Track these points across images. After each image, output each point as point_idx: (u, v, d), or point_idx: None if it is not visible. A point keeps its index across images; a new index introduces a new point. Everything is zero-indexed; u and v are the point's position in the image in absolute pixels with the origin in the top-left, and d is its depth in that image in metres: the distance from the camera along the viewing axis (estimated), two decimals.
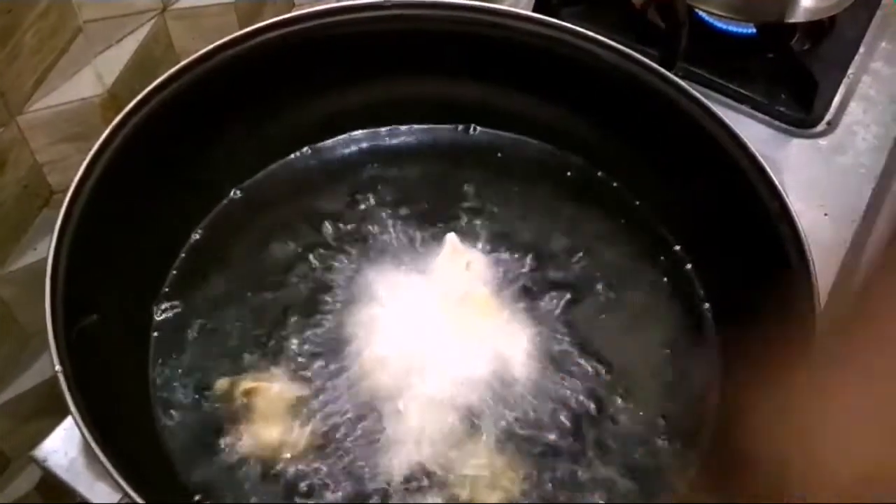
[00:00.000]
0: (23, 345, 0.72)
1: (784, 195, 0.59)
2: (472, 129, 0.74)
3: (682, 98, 0.64)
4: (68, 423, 0.60)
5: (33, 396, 0.74)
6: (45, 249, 0.66)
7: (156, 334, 0.63)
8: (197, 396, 0.60)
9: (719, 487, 0.56)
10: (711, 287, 0.66)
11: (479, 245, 0.67)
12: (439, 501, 0.56)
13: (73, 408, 0.50)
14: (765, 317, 0.60)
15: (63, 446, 0.59)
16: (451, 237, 0.67)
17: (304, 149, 0.72)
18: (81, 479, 0.58)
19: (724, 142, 0.62)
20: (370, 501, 0.56)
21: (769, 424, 0.49)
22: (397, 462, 0.57)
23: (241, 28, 0.64)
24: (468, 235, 0.68)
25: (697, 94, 0.64)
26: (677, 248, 0.69)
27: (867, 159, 0.78)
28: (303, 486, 0.57)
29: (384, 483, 0.57)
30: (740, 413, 0.58)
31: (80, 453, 0.59)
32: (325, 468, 0.57)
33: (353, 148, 0.73)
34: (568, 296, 0.65)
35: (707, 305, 0.66)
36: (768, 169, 0.60)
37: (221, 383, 0.60)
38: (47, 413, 0.74)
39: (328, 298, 0.64)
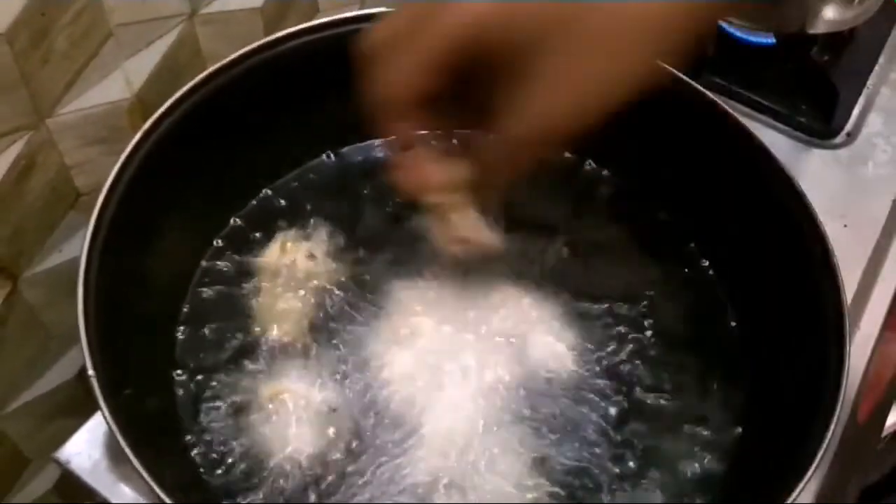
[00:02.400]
0: (46, 346, 0.72)
1: (812, 208, 0.59)
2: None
3: (709, 109, 0.64)
4: (91, 424, 0.60)
5: (54, 398, 0.74)
6: (71, 251, 0.67)
7: (181, 335, 0.63)
8: (223, 400, 0.60)
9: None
10: (737, 298, 0.66)
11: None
12: None
13: (104, 408, 0.50)
14: (792, 328, 0.60)
15: (86, 448, 0.59)
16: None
17: (327, 154, 0.72)
18: (104, 481, 0.58)
19: (753, 154, 0.62)
20: None
21: None
22: (423, 469, 0.58)
23: (265, 33, 0.64)
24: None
25: (726, 107, 0.63)
26: (704, 262, 0.69)
27: (887, 170, 0.78)
28: (328, 491, 0.57)
29: (410, 490, 0.57)
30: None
31: (103, 455, 0.59)
32: (350, 474, 0.57)
33: (377, 154, 0.73)
34: (590, 295, 0.66)
35: (730, 309, 0.66)
36: (797, 182, 0.60)
37: (248, 386, 0.61)
38: (68, 415, 0.74)
39: (350, 305, 0.64)
